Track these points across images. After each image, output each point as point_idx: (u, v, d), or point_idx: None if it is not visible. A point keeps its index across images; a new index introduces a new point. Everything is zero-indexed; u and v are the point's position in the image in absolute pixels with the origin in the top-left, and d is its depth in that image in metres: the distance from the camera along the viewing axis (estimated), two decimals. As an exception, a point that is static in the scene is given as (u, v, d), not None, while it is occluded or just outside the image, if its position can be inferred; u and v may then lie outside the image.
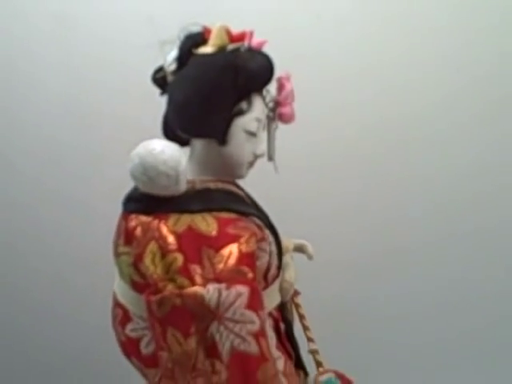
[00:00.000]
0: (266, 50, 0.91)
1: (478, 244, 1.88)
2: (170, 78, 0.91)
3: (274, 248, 0.92)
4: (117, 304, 0.94)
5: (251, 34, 0.89)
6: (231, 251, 0.81)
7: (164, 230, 0.82)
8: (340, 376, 1.02)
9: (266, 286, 0.91)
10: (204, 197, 0.87)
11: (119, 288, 0.93)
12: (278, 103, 0.92)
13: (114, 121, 1.76)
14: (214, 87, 0.84)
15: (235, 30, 0.89)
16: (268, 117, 0.93)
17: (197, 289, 0.78)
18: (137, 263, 0.84)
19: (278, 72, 0.92)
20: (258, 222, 0.91)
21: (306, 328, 1.09)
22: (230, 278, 0.79)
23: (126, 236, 0.87)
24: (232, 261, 0.80)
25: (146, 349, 0.90)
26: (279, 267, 0.96)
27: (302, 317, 1.10)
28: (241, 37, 0.88)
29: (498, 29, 1.75)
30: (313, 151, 1.76)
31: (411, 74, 1.76)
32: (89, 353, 1.92)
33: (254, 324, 0.78)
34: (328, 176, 1.80)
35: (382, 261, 1.88)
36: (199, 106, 0.85)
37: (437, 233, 1.86)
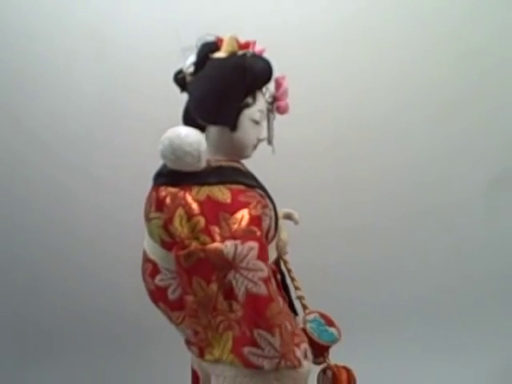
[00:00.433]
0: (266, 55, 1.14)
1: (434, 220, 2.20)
2: (188, 79, 1.12)
3: (272, 214, 1.15)
4: (147, 260, 1.15)
5: (254, 43, 1.11)
6: (243, 215, 1.03)
7: (189, 198, 1.04)
8: (323, 316, 1.25)
9: (267, 244, 1.13)
10: (218, 172, 1.09)
11: (149, 247, 1.14)
12: (275, 98, 1.14)
13: (140, 118, 2.02)
14: (227, 84, 1.06)
15: (242, 39, 1.11)
16: (268, 109, 1.15)
17: (217, 244, 1.00)
18: (167, 225, 1.06)
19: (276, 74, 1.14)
20: (261, 192, 1.13)
21: (293, 279, 1.31)
22: (243, 235, 1.01)
23: (157, 204, 1.08)
24: (244, 222, 1.03)
25: (172, 295, 1.11)
26: (276, 229, 1.18)
27: (289, 270, 1.31)
28: (247, 45, 1.10)
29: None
30: (303, 140, 2.03)
31: (381, 79, 2.09)
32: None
33: (263, 271, 1.01)
34: (316, 161, 2.09)
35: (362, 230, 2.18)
36: (215, 99, 1.06)
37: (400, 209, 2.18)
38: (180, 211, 1.03)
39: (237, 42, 1.09)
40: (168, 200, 1.05)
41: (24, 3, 2.02)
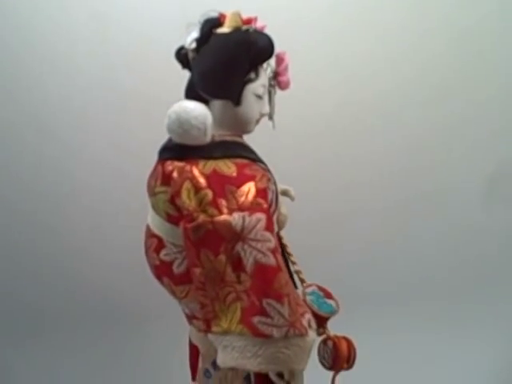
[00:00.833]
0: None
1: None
2: (191, 55, 1.13)
3: (274, 188, 1.17)
4: (151, 235, 1.16)
5: (256, 19, 1.12)
6: (249, 187, 1.05)
7: (196, 172, 1.05)
8: (321, 288, 1.28)
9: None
10: (223, 146, 1.11)
11: (154, 222, 1.15)
12: (277, 74, 1.16)
13: (140, 99, 2.04)
14: (232, 58, 1.07)
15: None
16: (269, 84, 1.17)
17: (225, 216, 1.02)
18: (174, 199, 1.07)
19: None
20: (264, 166, 1.15)
21: (289, 254, 1.34)
22: (250, 207, 1.03)
23: (163, 178, 1.09)
24: (251, 195, 1.05)
25: (177, 269, 1.13)
26: (277, 203, 1.21)
27: (285, 246, 1.35)
28: (249, 21, 1.11)
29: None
30: (296, 123, 2.06)
31: (378, 61, 2.13)
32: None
33: (271, 242, 1.03)
34: (311, 143, 2.14)
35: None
36: (220, 73, 1.08)
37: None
38: (187, 184, 1.04)
39: (240, 17, 1.10)
40: (175, 174, 1.06)
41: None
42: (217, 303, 1.06)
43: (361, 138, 2.20)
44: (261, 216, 1.02)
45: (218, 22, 1.11)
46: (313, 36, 2.04)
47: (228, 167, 1.07)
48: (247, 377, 1.24)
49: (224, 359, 1.07)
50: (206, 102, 1.14)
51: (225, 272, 1.04)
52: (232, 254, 1.03)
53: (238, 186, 1.04)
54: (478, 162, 2.29)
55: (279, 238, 1.33)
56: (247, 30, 1.09)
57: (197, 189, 1.04)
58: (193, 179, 1.04)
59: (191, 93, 1.14)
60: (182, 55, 1.15)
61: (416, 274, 2.30)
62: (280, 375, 1.08)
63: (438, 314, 2.21)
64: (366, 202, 2.24)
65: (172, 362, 1.80)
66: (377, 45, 2.13)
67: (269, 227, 1.03)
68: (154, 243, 1.15)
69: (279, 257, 1.04)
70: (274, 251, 1.02)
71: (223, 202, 1.03)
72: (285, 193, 1.38)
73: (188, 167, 1.06)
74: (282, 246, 1.34)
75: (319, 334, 1.22)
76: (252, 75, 1.10)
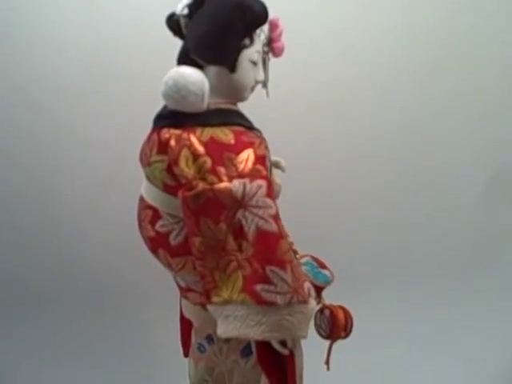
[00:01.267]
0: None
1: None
2: (183, 21, 1.11)
3: (270, 156, 1.16)
4: (146, 206, 1.14)
5: None
6: (248, 154, 1.04)
7: (193, 139, 1.03)
8: (315, 259, 1.28)
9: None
10: (219, 114, 1.09)
11: (149, 193, 1.13)
12: (271, 40, 1.15)
13: (135, 76, 2.00)
14: (227, 23, 1.05)
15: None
16: (263, 51, 1.15)
17: (225, 184, 1.00)
18: (171, 168, 1.05)
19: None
20: (259, 134, 1.14)
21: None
22: (250, 174, 1.02)
23: (159, 147, 1.07)
24: (250, 162, 1.03)
25: (174, 240, 1.11)
26: (271, 172, 1.19)
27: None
28: None
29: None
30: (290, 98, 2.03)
31: (371, 35, 2.13)
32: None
33: (272, 208, 1.02)
34: (306, 118, 2.12)
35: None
36: (216, 38, 1.06)
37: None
38: (185, 152, 1.02)
39: None
40: (172, 141, 1.04)
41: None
42: (217, 273, 1.04)
43: (354, 114, 2.19)
44: (261, 183, 1.01)
45: None
46: (306, 9, 2.01)
47: (225, 134, 1.05)
48: (243, 350, 1.23)
49: (225, 329, 1.05)
50: (200, 68, 1.11)
51: (226, 240, 1.02)
52: (233, 222, 1.01)
53: (237, 153, 1.03)
54: (470, 141, 2.30)
55: None
56: None
57: (195, 156, 1.02)
58: (191, 146, 1.02)
59: (184, 60, 1.11)
60: (173, 22, 1.12)
61: (407, 254, 2.31)
62: (282, 343, 1.06)
63: (429, 294, 2.24)
64: (358, 180, 2.23)
65: (160, 341, 1.79)
66: (372, 16, 2.11)
67: (269, 194, 1.02)
68: (149, 215, 1.13)
69: (280, 223, 1.03)
70: (275, 218, 1.01)
71: (222, 170, 1.01)
72: (276, 164, 1.37)
73: (185, 135, 1.04)
74: None
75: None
76: (247, 41, 1.09)
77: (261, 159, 1.04)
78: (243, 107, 1.20)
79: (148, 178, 1.12)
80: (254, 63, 1.11)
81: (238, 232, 1.02)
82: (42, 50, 2.04)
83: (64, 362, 2.00)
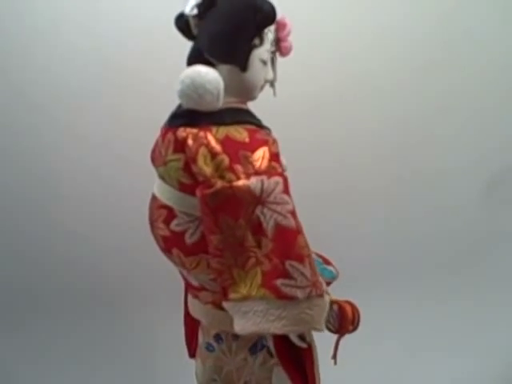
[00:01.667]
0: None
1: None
2: (192, 22, 1.12)
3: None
4: (160, 206, 1.14)
5: None
6: (264, 152, 1.05)
7: (210, 137, 1.04)
8: (319, 255, 1.30)
9: None
10: (231, 113, 1.11)
11: (163, 192, 1.13)
12: (279, 39, 1.16)
13: (132, 76, 2.01)
14: (240, 22, 1.07)
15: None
16: (271, 51, 1.17)
17: (244, 181, 1.02)
18: (188, 166, 1.05)
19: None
20: (269, 132, 1.16)
21: None
22: (267, 171, 1.04)
23: (176, 145, 1.08)
24: (265, 159, 1.05)
25: (190, 239, 1.11)
26: None
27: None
28: None
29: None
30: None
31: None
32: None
33: (290, 204, 1.04)
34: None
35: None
36: (229, 37, 1.07)
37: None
38: (203, 150, 1.03)
39: None
40: (190, 140, 1.05)
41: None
42: (235, 270, 1.05)
43: (355, 114, 2.23)
44: (278, 179, 1.03)
45: None
46: (304, 10, 2.02)
47: (239, 133, 1.06)
48: (252, 347, 1.25)
49: (244, 325, 1.06)
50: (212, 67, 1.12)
51: (244, 237, 1.03)
52: (251, 219, 1.02)
53: (253, 151, 1.04)
54: (470, 141, 2.36)
55: None
56: None
57: (213, 154, 1.03)
58: (208, 145, 1.03)
59: (196, 59, 1.12)
60: (182, 22, 1.13)
61: (407, 253, 2.36)
62: (300, 337, 1.08)
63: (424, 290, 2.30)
64: (359, 181, 2.27)
65: (161, 343, 1.79)
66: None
67: (286, 190, 1.04)
68: (164, 214, 1.13)
69: (297, 219, 1.04)
70: (292, 213, 1.03)
71: (239, 168, 1.03)
72: None
73: (202, 133, 1.05)
74: None
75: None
76: (257, 41, 1.11)
77: (275, 156, 1.06)
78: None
79: (162, 177, 1.13)
80: (264, 62, 1.13)
81: (257, 228, 1.03)
82: (42, 52, 2.02)
83: (65, 365, 2.00)
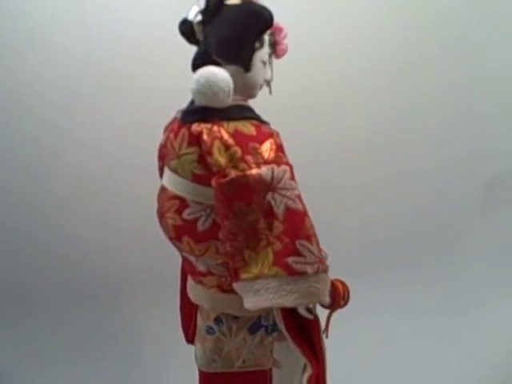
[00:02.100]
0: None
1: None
2: (197, 28, 1.22)
3: None
4: (171, 197, 1.23)
5: None
6: (271, 143, 1.17)
7: (223, 131, 1.15)
8: None
9: None
10: (237, 109, 1.21)
11: (175, 184, 1.22)
12: (275, 43, 1.28)
13: (125, 78, 2.05)
14: (244, 27, 1.19)
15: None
16: (268, 53, 1.29)
17: (256, 170, 1.12)
18: (203, 158, 1.15)
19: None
20: (270, 126, 1.27)
21: None
22: (275, 161, 1.15)
23: (190, 139, 1.17)
24: (273, 150, 1.16)
25: (202, 226, 1.21)
26: None
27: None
28: None
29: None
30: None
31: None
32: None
33: (296, 190, 1.16)
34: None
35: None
36: (236, 40, 1.19)
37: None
38: (217, 143, 1.13)
39: None
40: (205, 134, 1.15)
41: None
42: (246, 252, 1.15)
43: (350, 111, 2.31)
44: (286, 167, 1.15)
45: None
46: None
47: (247, 127, 1.17)
48: (250, 327, 1.35)
49: (256, 302, 1.15)
50: None
51: (256, 221, 1.14)
52: (263, 204, 1.13)
53: (260, 143, 1.15)
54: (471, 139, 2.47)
55: None
56: (251, 2, 1.21)
57: (226, 147, 1.13)
58: (221, 138, 1.13)
59: (204, 61, 1.21)
60: (186, 28, 1.23)
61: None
62: (307, 310, 1.20)
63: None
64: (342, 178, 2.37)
65: (153, 333, 1.84)
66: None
67: (293, 177, 1.15)
68: (176, 204, 1.22)
69: (304, 202, 1.16)
70: (299, 198, 1.15)
71: (250, 158, 1.13)
72: None
73: (216, 128, 1.15)
74: None
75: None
76: (257, 44, 1.22)
77: (281, 147, 1.18)
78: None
79: (175, 170, 1.22)
80: (264, 63, 1.25)
81: (268, 213, 1.14)
82: (35, 57, 2.03)
83: (58, 360, 2.02)
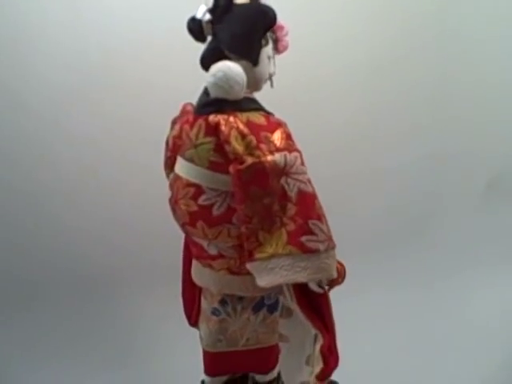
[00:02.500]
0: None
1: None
2: (205, 26, 1.30)
3: None
4: (187, 185, 1.30)
5: None
6: (281, 132, 1.26)
7: (238, 121, 1.23)
8: None
9: None
10: (247, 101, 1.30)
11: (191, 172, 1.29)
12: (277, 39, 1.37)
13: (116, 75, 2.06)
14: (253, 25, 1.28)
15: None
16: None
17: (270, 156, 1.21)
18: (221, 147, 1.23)
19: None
20: (278, 118, 1.37)
21: None
22: (287, 148, 1.24)
23: (207, 129, 1.25)
24: (283, 139, 1.26)
25: (217, 211, 1.29)
26: None
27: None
28: None
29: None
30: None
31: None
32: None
33: (307, 174, 1.26)
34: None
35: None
36: (246, 37, 1.28)
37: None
38: (234, 133, 1.22)
39: None
40: (222, 124, 1.23)
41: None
42: (261, 233, 1.25)
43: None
44: (296, 154, 1.24)
45: None
46: None
47: (257, 118, 1.26)
48: (254, 307, 1.45)
49: (271, 280, 1.24)
50: None
51: (271, 204, 1.23)
52: (277, 188, 1.22)
53: (272, 132, 1.25)
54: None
55: None
56: (257, 1, 1.30)
57: (242, 136, 1.21)
58: (238, 128, 1.22)
59: (216, 57, 1.28)
60: (196, 25, 1.30)
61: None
62: (318, 285, 1.30)
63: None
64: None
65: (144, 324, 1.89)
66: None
67: (303, 162, 1.25)
68: (191, 191, 1.29)
69: (313, 186, 1.26)
70: (310, 181, 1.25)
71: (264, 146, 1.22)
72: None
73: (232, 118, 1.23)
74: None
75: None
76: (263, 41, 1.31)
77: (290, 136, 1.27)
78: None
79: (191, 159, 1.29)
80: (269, 58, 1.34)
81: (282, 196, 1.23)
82: (28, 51, 2.03)
83: (52, 354, 2.03)
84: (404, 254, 2.57)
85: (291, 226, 1.23)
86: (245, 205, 1.23)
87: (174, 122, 1.45)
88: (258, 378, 1.56)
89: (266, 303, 1.45)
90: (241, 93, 1.25)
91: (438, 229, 2.69)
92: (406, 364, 2.08)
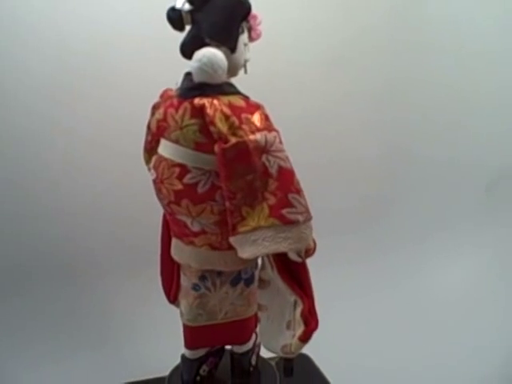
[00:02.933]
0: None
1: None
2: (185, 16, 1.38)
3: None
4: (172, 165, 1.37)
5: None
6: (260, 114, 1.35)
7: (222, 104, 1.32)
8: None
9: None
10: (226, 85, 1.38)
11: (177, 153, 1.36)
12: (251, 27, 1.46)
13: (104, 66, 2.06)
14: (232, 13, 1.36)
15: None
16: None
17: (252, 136, 1.30)
18: (206, 128, 1.31)
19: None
20: (255, 101, 1.46)
21: None
22: (266, 128, 1.34)
23: (193, 112, 1.32)
24: (262, 120, 1.35)
25: (202, 188, 1.37)
26: None
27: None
28: None
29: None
30: None
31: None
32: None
33: (285, 152, 1.36)
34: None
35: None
36: (226, 24, 1.36)
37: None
38: (218, 114, 1.30)
39: None
40: (207, 106, 1.31)
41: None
42: (244, 208, 1.34)
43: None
44: (275, 133, 1.34)
45: None
46: None
47: (237, 100, 1.35)
48: (232, 280, 1.54)
49: (254, 251, 1.34)
50: None
51: (253, 180, 1.32)
52: (259, 165, 1.32)
53: (251, 114, 1.33)
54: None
55: None
56: None
57: (226, 117, 1.30)
58: (221, 110, 1.30)
59: (197, 44, 1.35)
60: (175, 15, 1.38)
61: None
62: (297, 254, 1.41)
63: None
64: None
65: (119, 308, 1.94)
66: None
67: (281, 141, 1.35)
68: (177, 171, 1.36)
69: (291, 162, 1.37)
70: (288, 158, 1.35)
71: (245, 127, 1.31)
72: None
73: (216, 101, 1.31)
74: None
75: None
76: (240, 29, 1.40)
77: (268, 117, 1.37)
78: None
79: (177, 140, 1.36)
80: (246, 45, 1.43)
81: (263, 172, 1.32)
82: (16, 45, 2.01)
83: (29, 342, 2.02)
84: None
85: (272, 200, 1.33)
86: (229, 181, 1.32)
87: (154, 107, 1.51)
88: (235, 349, 1.65)
89: (242, 277, 1.54)
90: (223, 77, 1.33)
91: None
92: (377, 334, 2.24)
